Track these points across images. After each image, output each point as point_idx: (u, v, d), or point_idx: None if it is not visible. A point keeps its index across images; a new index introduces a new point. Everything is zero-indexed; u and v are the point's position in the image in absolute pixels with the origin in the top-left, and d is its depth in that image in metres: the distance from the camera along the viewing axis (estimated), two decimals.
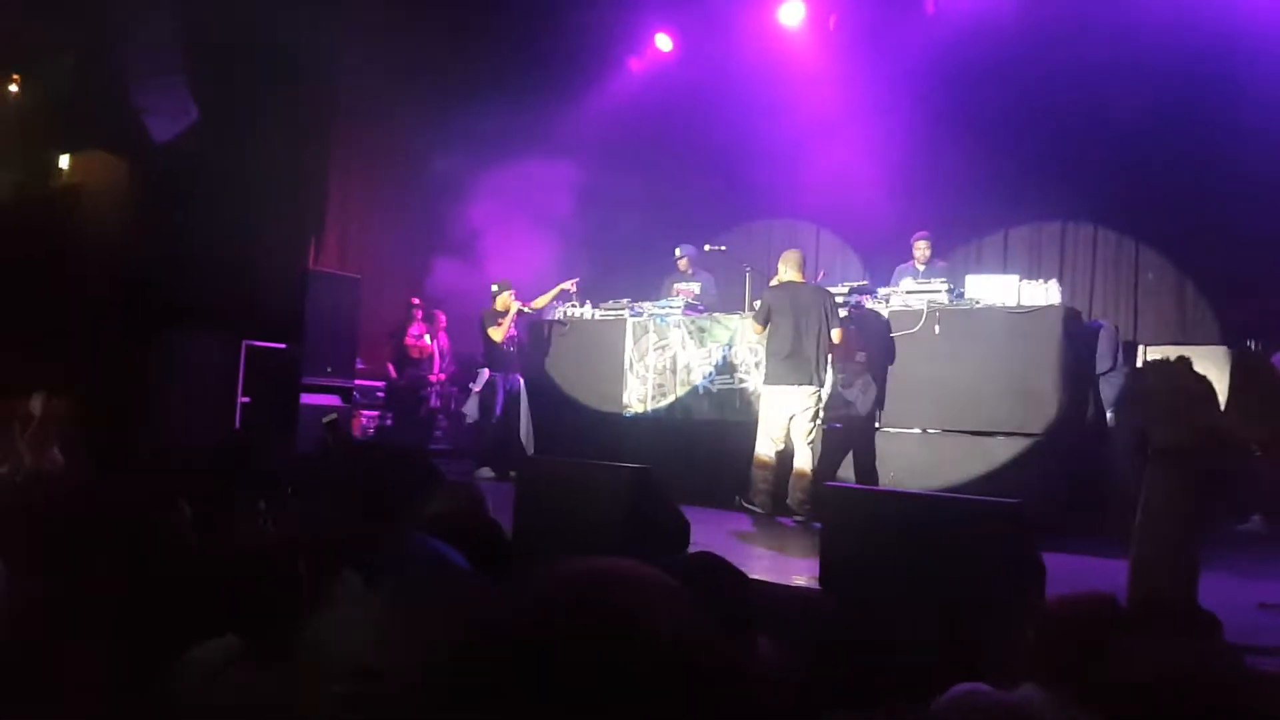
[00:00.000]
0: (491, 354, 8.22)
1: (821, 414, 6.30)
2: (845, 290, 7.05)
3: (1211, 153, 7.75)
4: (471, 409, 8.47)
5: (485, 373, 8.29)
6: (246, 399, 6.80)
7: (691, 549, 4.44)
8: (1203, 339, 7.74)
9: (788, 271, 6.45)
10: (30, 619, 1.69)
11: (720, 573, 1.82)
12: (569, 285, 8.25)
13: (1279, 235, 6.57)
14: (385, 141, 10.10)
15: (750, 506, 6.53)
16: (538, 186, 9.08)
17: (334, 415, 6.51)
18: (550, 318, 8.42)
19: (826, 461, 6.42)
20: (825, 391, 6.37)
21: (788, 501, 6.15)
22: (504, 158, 9.02)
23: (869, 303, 6.84)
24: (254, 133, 7.15)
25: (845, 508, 3.41)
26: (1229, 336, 7.48)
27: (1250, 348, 7.17)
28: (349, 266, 9.16)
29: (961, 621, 2.61)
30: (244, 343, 6.86)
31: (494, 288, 8.17)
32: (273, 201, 7.14)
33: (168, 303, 6.54)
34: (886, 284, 7.39)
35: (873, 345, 6.60)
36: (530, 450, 8.17)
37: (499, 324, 8.04)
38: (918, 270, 7.57)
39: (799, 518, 6.03)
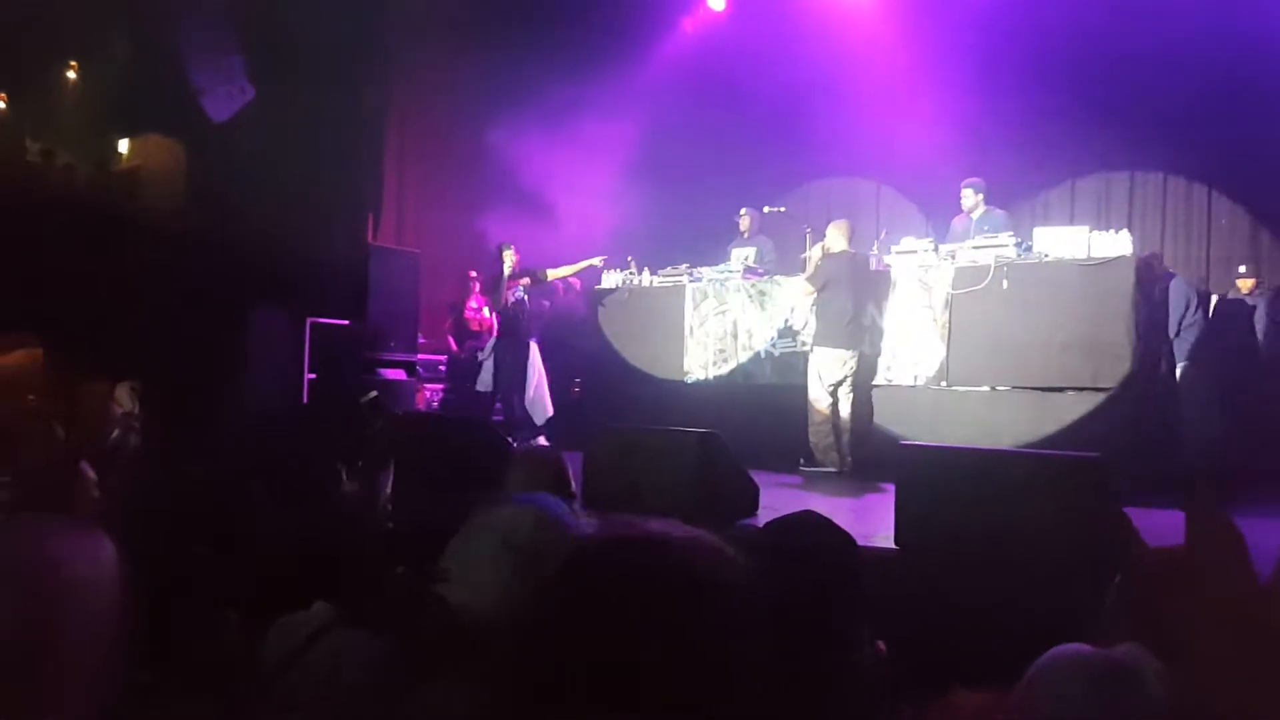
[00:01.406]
0: (498, 319, 8.07)
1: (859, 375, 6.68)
2: (913, 249, 6.92)
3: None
4: (484, 379, 8.35)
5: (491, 339, 8.20)
6: (313, 375, 6.93)
7: (761, 513, 4.45)
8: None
9: (839, 240, 6.70)
10: (139, 600, 1.75)
11: (826, 534, 1.79)
12: (597, 261, 8.18)
13: None
14: (440, 115, 10.14)
15: (818, 468, 6.53)
16: (594, 154, 9.04)
17: (374, 393, 6.56)
18: (608, 287, 8.44)
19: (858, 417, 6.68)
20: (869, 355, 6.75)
21: (813, 452, 6.58)
22: (559, 126, 8.99)
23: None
24: (310, 111, 7.22)
25: (921, 466, 3.36)
26: None
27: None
28: (406, 241, 9.26)
29: (1045, 582, 2.57)
30: (309, 320, 6.98)
31: (503, 250, 7.97)
32: (330, 179, 7.22)
33: (231, 283, 6.68)
34: (948, 225, 7.27)
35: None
36: (541, 419, 8.22)
37: (497, 288, 7.92)
38: (970, 220, 7.30)
39: (830, 468, 6.49)
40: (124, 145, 8.09)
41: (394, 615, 1.62)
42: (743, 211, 8.31)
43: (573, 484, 2.67)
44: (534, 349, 8.15)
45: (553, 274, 8.19)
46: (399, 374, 7.75)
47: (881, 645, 1.92)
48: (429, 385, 9.12)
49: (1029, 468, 3.15)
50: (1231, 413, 6.03)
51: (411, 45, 8.76)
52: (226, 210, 6.84)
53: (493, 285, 7.94)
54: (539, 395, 8.19)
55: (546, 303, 9.10)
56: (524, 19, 9.65)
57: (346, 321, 7.29)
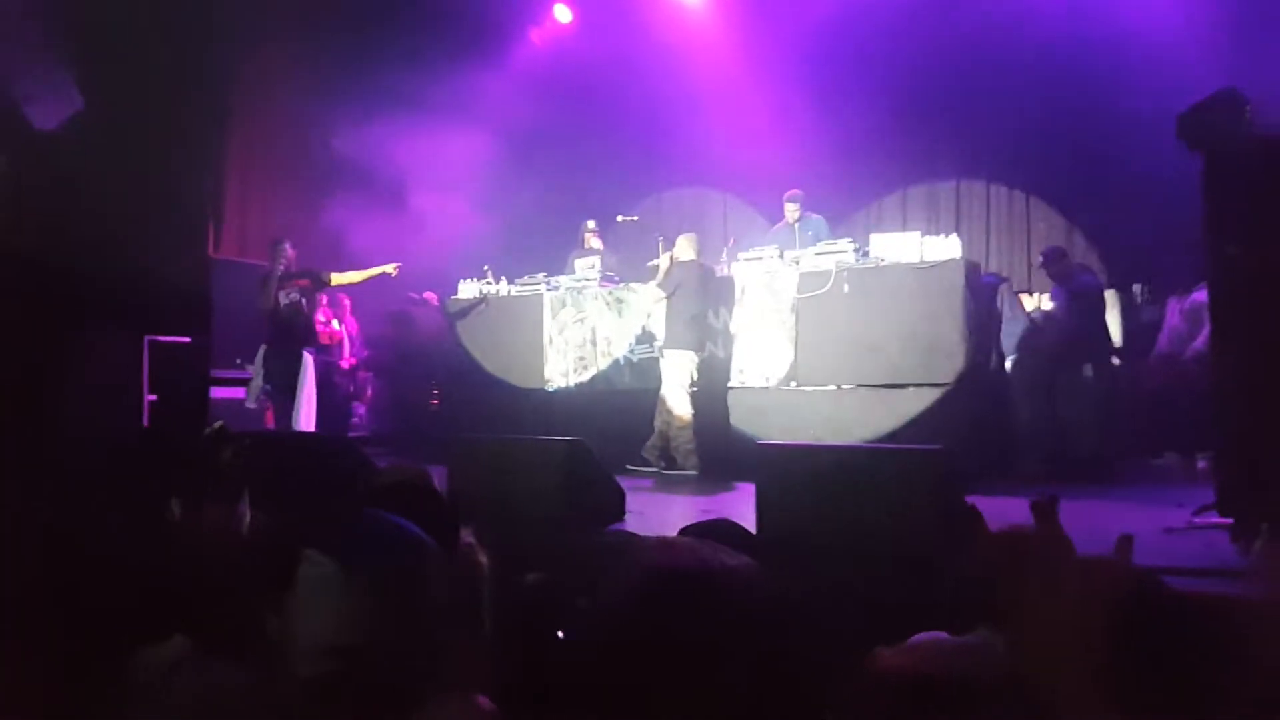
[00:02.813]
0: (267, 323, 7.22)
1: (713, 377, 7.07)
2: (759, 256, 7.23)
3: (1096, 108, 8.14)
4: (254, 390, 7.31)
5: (262, 347, 7.27)
6: (154, 397, 6.53)
7: (628, 518, 4.52)
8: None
9: (688, 250, 7.10)
10: None
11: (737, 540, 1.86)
12: (390, 268, 7.58)
13: (1160, 186, 6.97)
14: (283, 125, 9.75)
15: (678, 471, 6.71)
16: (445, 163, 8.92)
17: (220, 422, 6.16)
18: (465, 297, 8.35)
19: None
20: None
21: (674, 456, 6.83)
22: (409, 135, 8.82)
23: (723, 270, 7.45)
24: (142, 121, 6.80)
25: (779, 464, 3.51)
26: (1115, 281, 7.91)
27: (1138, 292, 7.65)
28: (250, 254, 8.84)
29: (902, 570, 2.73)
30: (146, 338, 6.57)
31: (277, 246, 7.27)
32: (166, 190, 6.81)
33: (60, 302, 6.20)
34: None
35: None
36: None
37: (265, 287, 7.13)
38: (791, 229, 7.77)
39: (691, 471, 6.69)
40: None
41: (249, 645, 1.57)
42: (591, 224, 8.44)
43: (443, 498, 2.63)
44: (308, 362, 7.32)
45: (337, 278, 7.42)
46: (244, 392, 7.39)
47: None
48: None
49: (880, 462, 3.35)
50: (1056, 403, 6.55)
51: (253, 55, 8.38)
52: (54, 224, 6.35)
53: (261, 284, 7.12)
54: (306, 416, 7.23)
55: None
56: (374, 24, 9.41)
57: (188, 339, 6.89)
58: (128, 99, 6.62)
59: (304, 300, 7.26)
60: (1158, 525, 3.61)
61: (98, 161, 6.38)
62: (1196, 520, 3.60)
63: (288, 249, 7.25)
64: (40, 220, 6.28)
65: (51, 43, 6.51)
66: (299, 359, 7.24)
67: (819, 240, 7.29)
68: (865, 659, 1.53)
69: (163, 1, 6.70)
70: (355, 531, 1.50)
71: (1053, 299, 7.06)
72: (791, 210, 7.82)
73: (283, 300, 7.14)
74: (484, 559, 1.88)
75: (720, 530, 1.92)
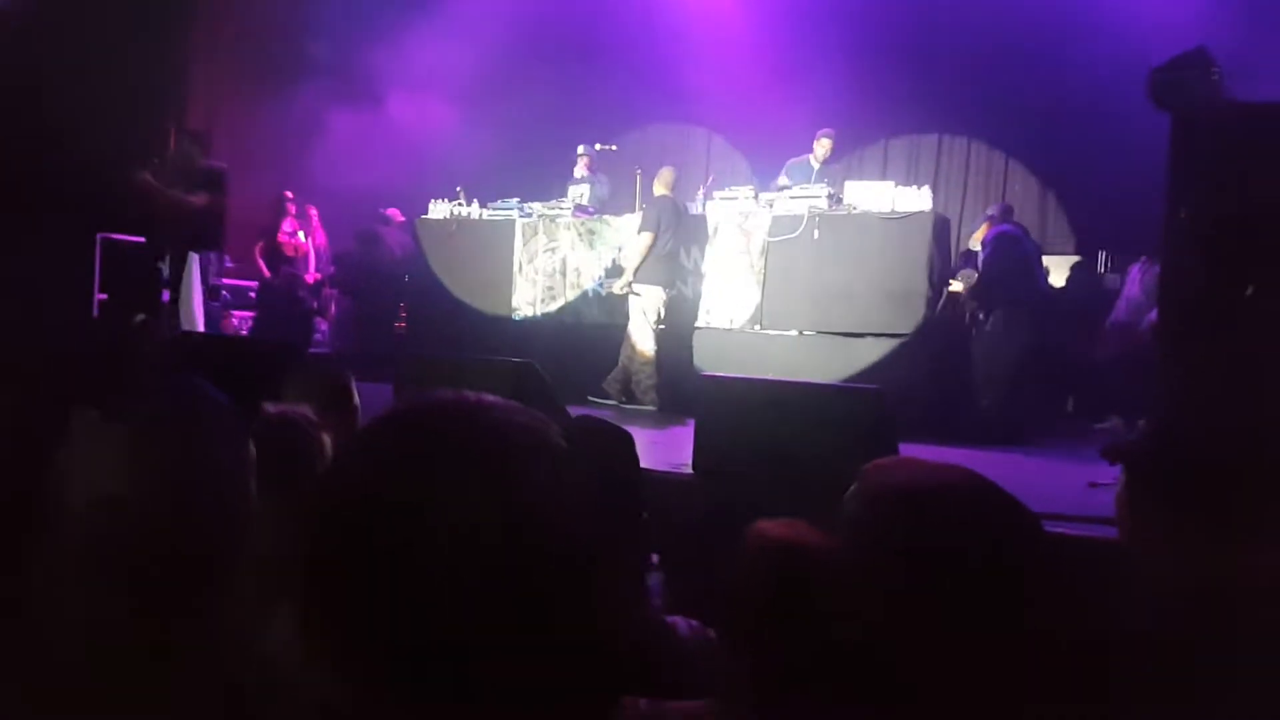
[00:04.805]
0: None
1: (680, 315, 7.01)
2: (734, 195, 7.17)
3: (1074, 75, 8.08)
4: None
5: None
6: (104, 295, 6.42)
7: None
8: (1059, 250, 8.20)
9: (662, 186, 6.98)
10: None
11: (611, 438, 1.84)
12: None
13: (1134, 155, 6.94)
14: (256, 21, 9.45)
15: (636, 406, 6.73)
16: (423, 76, 8.73)
17: (142, 316, 5.92)
18: (435, 217, 8.23)
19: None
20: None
21: (634, 391, 6.81)
22: (389, 46, 8.61)
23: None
24: (105, 9, 6.58)
25: (718, 396, 3.53)
26: (1083, 248, 7.93)
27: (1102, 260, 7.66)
28: (215, 156, 8.63)
29: (820, 494, 2.75)
30: (99, 236, 6.42)
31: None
32: (126, 85, 6.62)
33: (11, 195, 6.05)
34: (775, 178, 7.53)
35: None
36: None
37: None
38: (813, 167, 7.59)
39: (650, 406, 6.65)
40: None
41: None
42: (581, 150, 8.27)
43: (355, 400, 2.62)
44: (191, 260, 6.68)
45: None
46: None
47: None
48: (237, 312, 8.64)
49: (816, 397, 3.38)
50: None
51: None
52: (9, 116, 6.16)
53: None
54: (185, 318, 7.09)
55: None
56: None
57: (142, 239, 6.76)
58: None
59: (204, 194, 6.90)
60: (1086, 480, 3.67)
61: (56, 54, 6.18)
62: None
63: (189, 142, 6.92)
64: None
65: None
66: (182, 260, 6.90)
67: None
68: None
69: None
70: (138, 389, 1.43)
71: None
72: (825, 146, 7.49)
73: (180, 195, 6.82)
74: (326, 437, 1.84)
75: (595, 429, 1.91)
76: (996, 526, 0.97)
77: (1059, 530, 2.63)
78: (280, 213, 8.73)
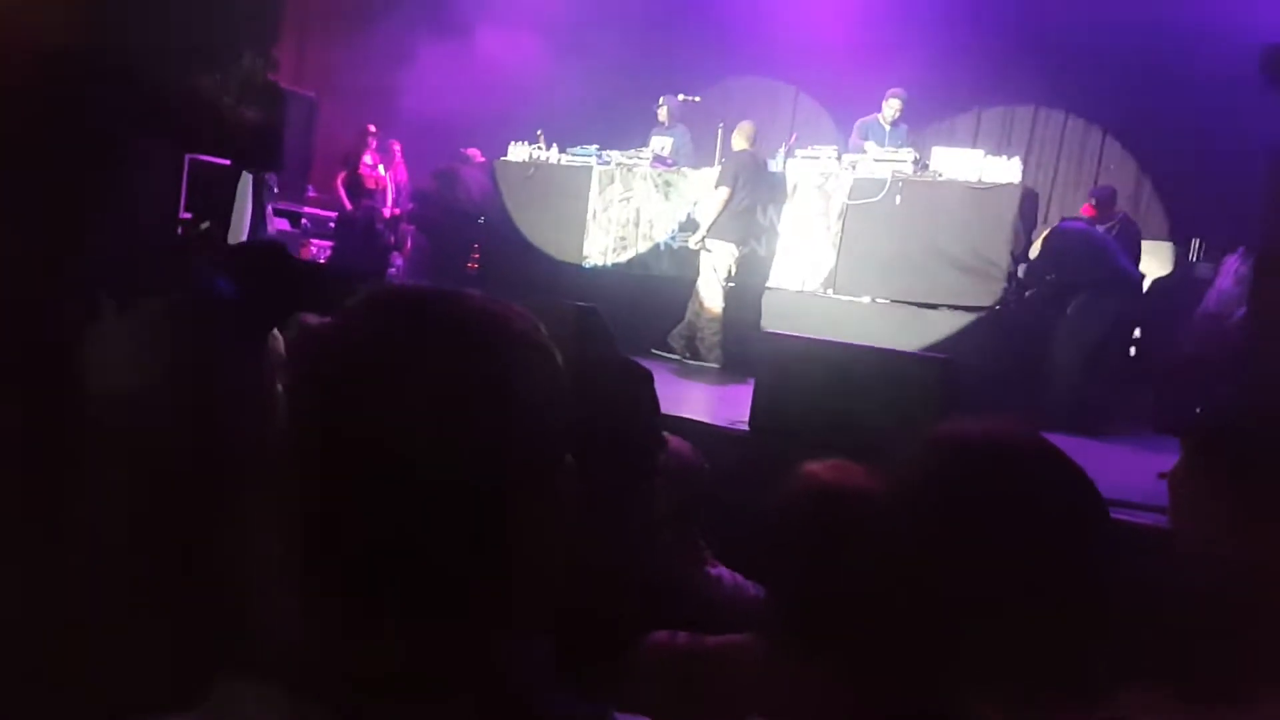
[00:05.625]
0: None
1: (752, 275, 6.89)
2: (816, 155, 7.03)
3: (1182, 53, 7.67)
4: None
5: None
6: (188, 215, 6.60)
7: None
8: (1151, 235, 7.85)
9: (741, 141, 6.82)
10: None
11: (628, 375, 1.81)
12: None
13: (1235, 141, 6.58)
14: None
15: (700, 362, 6.70)
16: (509, 23, 8.70)
17: (206, 224, 5.97)
18: (515, 160, 8.24)
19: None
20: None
21: (699, 347, 6.72)
22: None
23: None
24: None
25: (780, 354, 3.48)
26: (1176, 234, 7.58)
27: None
28: (305, 84, 8.77)
29: (880, 464, 2.71)
30: (187, 156, 6.58)
31: None
32: (220, 7, 6.73)
33: (104, 116, 6.22)
34: (849, 138, 7.37)
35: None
36: None
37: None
38: (883, 128, 7.41)
39: (713, 364, 6.55)
40: None
41: None
42: (661, 101, 8.17)
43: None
44: (247, 181, 6.74)
45: None
46: (281, 223, 7.46)
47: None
48: (316, 241, 8.81)
49: (882, 362, 3.30)
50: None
51: None
52: (99, 38, 6.32)
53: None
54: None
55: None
56: None
57: (228, 161, 6.92)
58: None
59: (263, 114, 6.66)
60: (1155, 470, 3.53)
61: None
62: None
63: (252, 58, 6.77)
64: (82, 33, 6.25)
65: None
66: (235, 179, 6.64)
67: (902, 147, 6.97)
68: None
69: None
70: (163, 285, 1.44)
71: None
72: (894, 107, 7.35)
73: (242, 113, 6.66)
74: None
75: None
76: (1052, 489, 0.92)
77: (1121, 517, 2.54)
78: (363, 145, 8.83)
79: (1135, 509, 2.70)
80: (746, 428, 3.48)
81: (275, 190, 7.59)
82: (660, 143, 7.86)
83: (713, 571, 1.98)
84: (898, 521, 0.97)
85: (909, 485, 0.98)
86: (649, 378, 1.78)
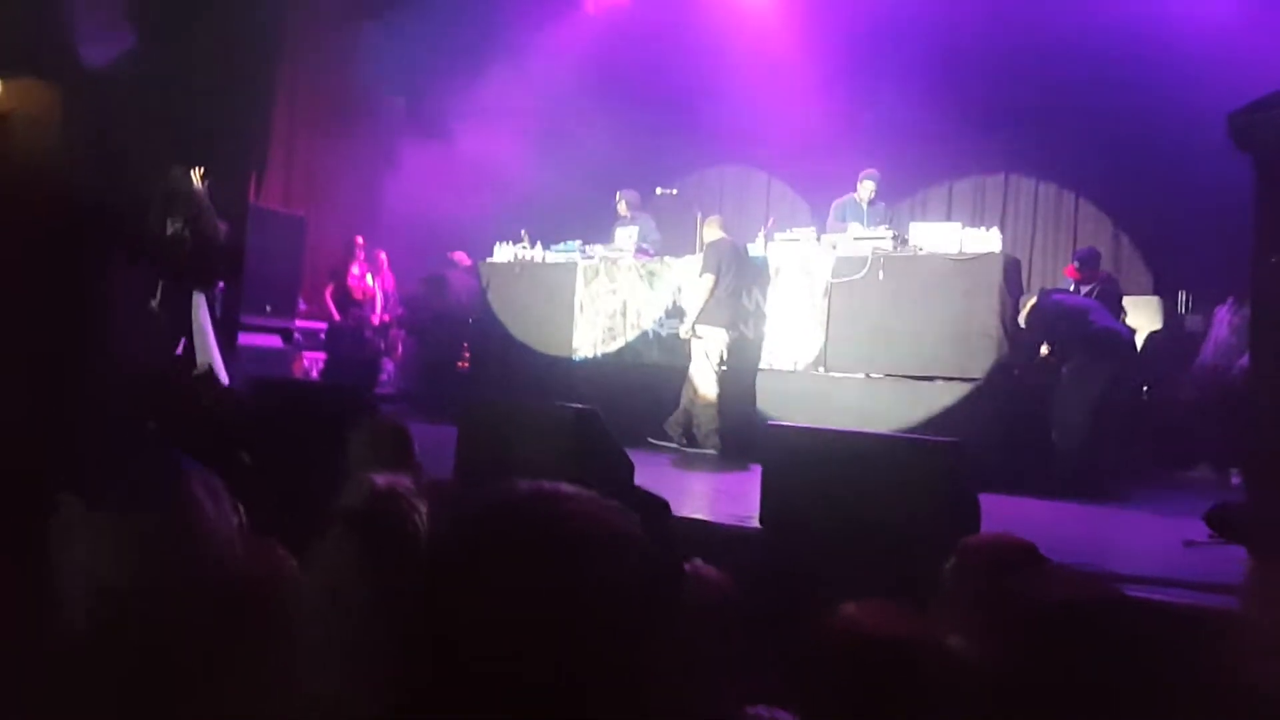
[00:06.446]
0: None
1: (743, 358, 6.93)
2: (796, 237, 7.14)
3: (1148, 111, 7.88)
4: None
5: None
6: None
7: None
8: (1137, 290, 7.94)
9: (715, 231, 6.97)
10: None
11: (642, 503, 1.80)
12: None
13: (1213, 193, 6.73)
14: (334, 75, 9.78)
15: (697, 450, 6.66)
16: (490, 126, 8.90)
17: (206, 366, 5.78)
18: (500, 260, 8.34)
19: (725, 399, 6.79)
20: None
21: (696, 434, 6.72)
22: (455, 96, 8.80)
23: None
24: (194, 61, 6.86)
25: (784, 446, 3.45)
26: (1161, 288, 7.67)
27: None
28: (293, 203, 8.91)
29: (894, 556, 2.67)
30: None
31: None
32: (213, 135, 6.87)
33: (101, 236, 6.28)
34: (825, 219, 7.51)
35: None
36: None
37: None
38: (861, 207, 7.59)
39: (711, 450, 6.56)
40: None
41: None
42: (618, 195, 8.36)
43: (416, 454, 2.62)
44: (199, 302, 6.47)
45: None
46: (274, 340, 7.48)
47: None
48: (307, 354, 8.83)
49: (887, 449, 3.28)
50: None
51: (304, 4, 8.40)
52: (101, 160, 6.41)
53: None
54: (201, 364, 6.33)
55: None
56: None
57: (220, 284, 6.98)
58: (177, 43, 6.67)
59: (187, 232, 6.33)
60: (1179, 538, 3.49)
61: (145, 102, 6.44)
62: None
63: (180, 172, 6.44)
64: (84, 154, 6.37)
65: None
66: (187, 298, 6.40)
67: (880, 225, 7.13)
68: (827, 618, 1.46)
69: None
70: (120, 472, 1.40)
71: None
72: (869, 188, 7.64)
73: (169, 229, 6.30)
74: (423, 506, 1.83)
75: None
76: (1145, 655, 0.89)
77: (1156, 597, 2.45)
78: (350, 257, 8.94)
79: (1164, 586, 2.64)
80: (758, 524, 3.43)
81: (301, 308, 7.50)
82: (627, 233, 7.98)
83: (750, 712, 1.91)
84: (974, 684, 0.93)
85: (986, 654, 0.96)
86: (666, 508, 1.75)
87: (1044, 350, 6.20)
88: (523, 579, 0.77)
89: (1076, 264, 6.51)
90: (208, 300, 6.55)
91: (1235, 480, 5.55)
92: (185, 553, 1.29)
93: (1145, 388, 6.35)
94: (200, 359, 6.29)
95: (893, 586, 2.59)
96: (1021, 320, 6.16)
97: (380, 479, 1.89)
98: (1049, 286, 7.13)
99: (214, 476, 1.41)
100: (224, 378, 6.35)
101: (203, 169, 6.58)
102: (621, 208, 8.30)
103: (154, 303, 6.42)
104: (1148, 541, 3.72)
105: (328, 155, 9.89)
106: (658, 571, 0.84)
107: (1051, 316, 6.02)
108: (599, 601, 0.78)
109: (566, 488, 0.87)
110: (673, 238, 8.33)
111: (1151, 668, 0.91)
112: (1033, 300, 6.31)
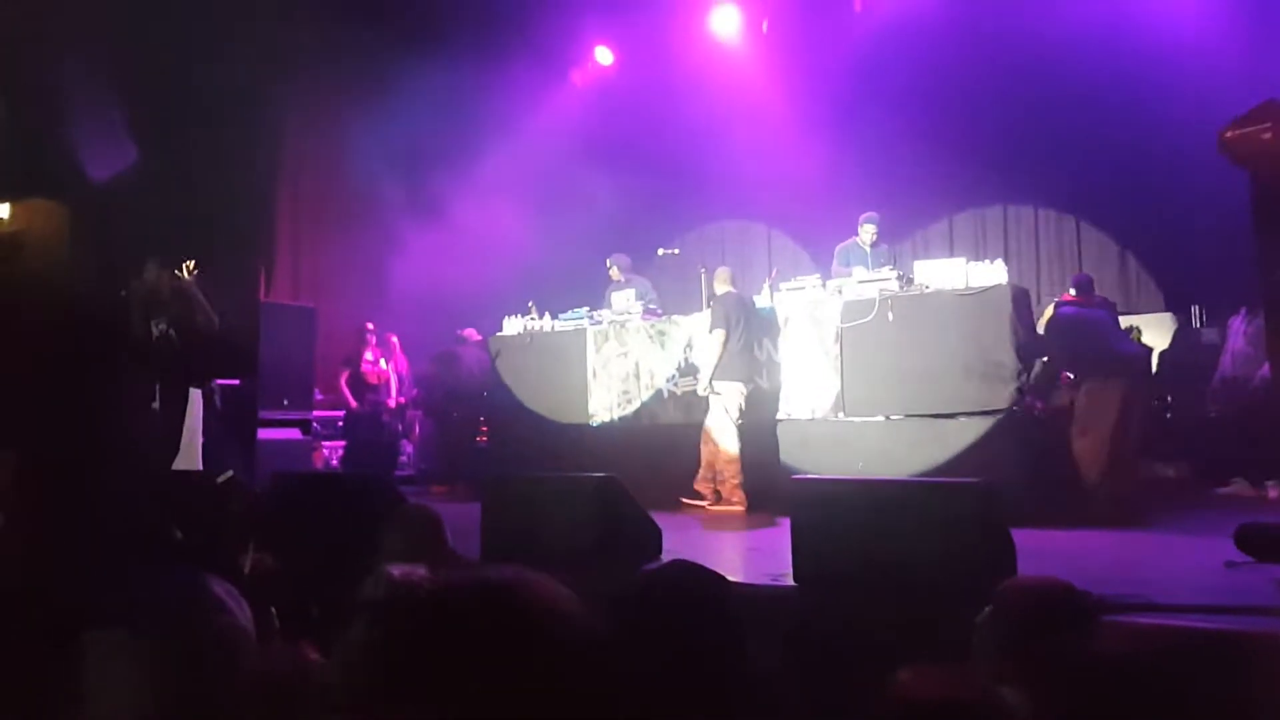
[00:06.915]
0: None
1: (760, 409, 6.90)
2: (801, 285, 7.17)
3: (1140, 128, 7.95)
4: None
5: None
6: (203, 438, 6.67)
7: (665, 555, 4.44)
8: (1149, 308, 7.92)
9: (723, 284, 7.02)
10: None
11: (698, 580, 1.79)
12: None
13: (1210, 204, 6.76)
14: (333, 166, 9.99)
15: (724, 507, 6.60)
16: (489, 203, 9.05)
17: (230, 472, 5.75)
18: (510, 333, 8.40)
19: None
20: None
21: (720, 490, 6.69)
22: (454, 176, 8.96)
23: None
24: (197, 166, 7.03)
25: (814, 499, 3.42)
26: (1172, 304, 7.64)
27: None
28: (302, 296, 9.04)
29: (933, 604, 2.62)
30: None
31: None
32: (220, 236, 7.01)
33: (116, 348, 6.37)
34: (829, 266, 7.54)
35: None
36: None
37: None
38: (864, 250, 7.63)
39: (737, 506, 6.55)
40: (4, 210, 7.73)
41: None
42: (609, 261, 8.44)
43: (449, 541, 2.62)
44: (194, 398, 6.47)
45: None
46: (293, 433, 7.52)
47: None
48: (326, 443, 8.87)
49: (916, 496, 3.24)
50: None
51: (304, 101, 8.62)
52: (111, 273, 6.53)
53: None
54: (187, 460, 6.39)
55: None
56: (420, 69, 9.65)
57: (236, 381, 7.05)
58: (179, 151, 6.85)
59: (172, 330, 6.32)
60: (1216, 560, 3.42)
61: (151, 213, 6.58)
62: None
63: (157, 269, 6.44)
64: (96, 270, 6.50)
65: (106, 94, 6.74)
66: (183, 397, 6.42)
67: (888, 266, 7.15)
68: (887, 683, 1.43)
69: (215, 53, 6.92)
70: (147, 596, 1.39)
71: None
72: (870, 231, 7.67)
73: (154, 332, 6.31)
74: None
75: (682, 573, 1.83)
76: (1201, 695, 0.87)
77: (1204, 625, 2.38)
78: (362, 343, 9.02)
79: (1208, 613, 2.57)
80: (792, 582, 3.38)
81: (317, 398, 7.55)
82: (622, 297, 8.03)
83: None
84: None
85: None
86: (722, 581, 1.74)
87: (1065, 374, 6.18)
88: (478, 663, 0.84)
89: (1074, 291, 6.51)
90: (206, 395, 6.60)
91: (1273, 494, 5.45)
92: (217, 670, 1.29)
93: (1168, 412, 6.27)
94: (183, 457, 6.31)
95: (934, 639, 2.54)
96: (1040, 328, 6.15)
97: (396, 570, 1.88)
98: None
99: (232, 585, 1.41)
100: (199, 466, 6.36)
101: (193, 261, 6.60)
102: (614, 272, 8.37)
103: (155, 404, 6.49)
104: (1183, 565, 3.64)
105: (333, 245, 10.06)
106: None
107: (1074, 327, 5.99)
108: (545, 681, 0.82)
109: (537, 577, 0.92)
110: (679, 295, 8.38)
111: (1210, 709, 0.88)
112: (1049, 312, 6.29)
